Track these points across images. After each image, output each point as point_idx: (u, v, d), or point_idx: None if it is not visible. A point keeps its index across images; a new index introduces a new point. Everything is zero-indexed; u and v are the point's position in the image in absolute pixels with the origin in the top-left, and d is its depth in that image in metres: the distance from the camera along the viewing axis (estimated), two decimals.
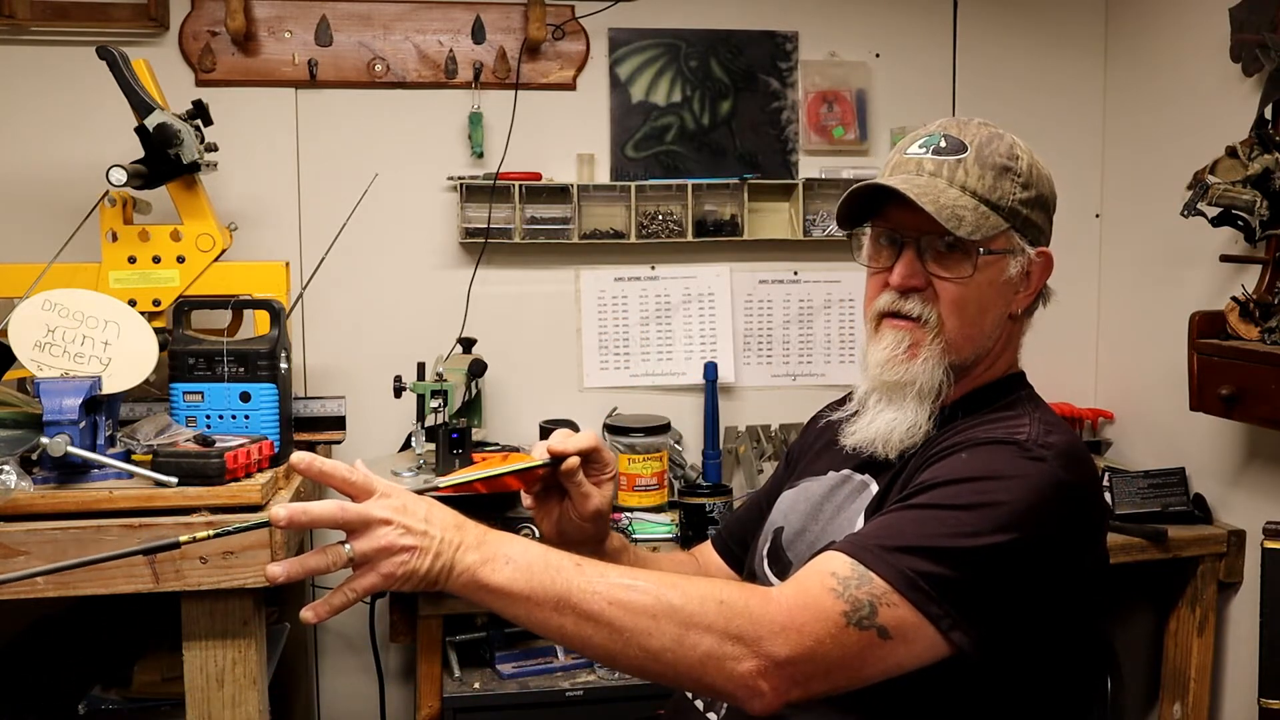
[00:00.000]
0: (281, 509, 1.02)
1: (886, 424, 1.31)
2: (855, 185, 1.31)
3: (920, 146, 1.32)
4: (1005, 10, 2.83)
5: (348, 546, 1.04)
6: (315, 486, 2.21)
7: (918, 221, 1.27)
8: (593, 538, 1.35)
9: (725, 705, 1.32)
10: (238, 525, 1.12)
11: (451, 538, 1.07)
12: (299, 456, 1.06)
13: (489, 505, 2.05)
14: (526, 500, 1.34)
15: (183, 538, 1.08)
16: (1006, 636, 1.14)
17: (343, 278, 2.54)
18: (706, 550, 1.62)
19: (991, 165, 1.28)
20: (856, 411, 1.37)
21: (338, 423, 2.19)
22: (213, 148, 2.26)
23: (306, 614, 1.04)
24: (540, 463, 1.28)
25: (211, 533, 1.10)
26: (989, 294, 1.30)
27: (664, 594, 1.08)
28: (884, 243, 1.33)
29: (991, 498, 1.14)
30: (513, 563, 1.07)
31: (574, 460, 1.28)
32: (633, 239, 2.66)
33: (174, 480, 1.76)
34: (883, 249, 1.33)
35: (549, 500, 1.34)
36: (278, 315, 2.03)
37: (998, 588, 1.13)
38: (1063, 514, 1.17)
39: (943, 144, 1.30)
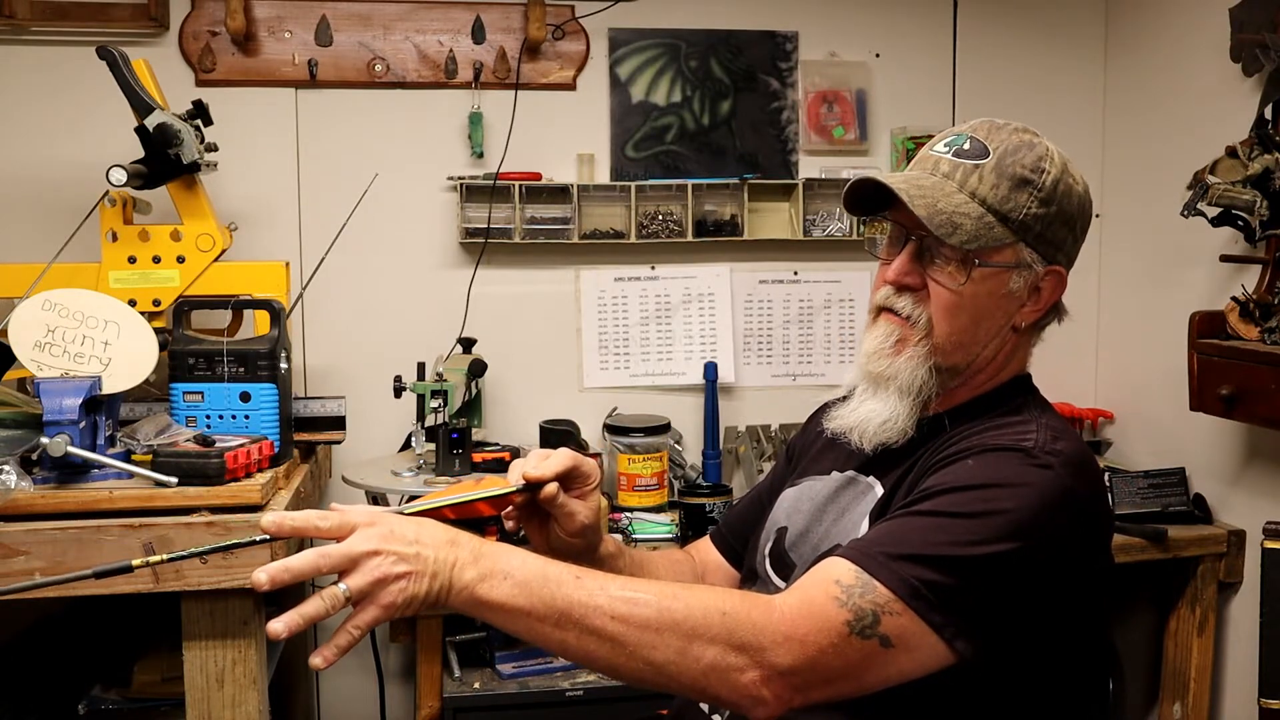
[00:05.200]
0: (262, 573, 0.98)
1: (865, 414, 1.30)
2: (859, 177, 1.30)
3: (945, 145, 1.30)
4: (1005, 10, 2.83)
5: (343, 586, 1.00)
6: (314, 485, 2.21)
7: (920, 221, 1.25)
8: (584, 550, 1.32)
9: None
10: (192, 550, 1.08)
11: (446, 555, 1.04)
12: (268, 520, 1.02)
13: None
14: (509, 525, 1.29)
15: (135, 561, 1.05)
16: (1011, 643, 1.14)
17: (343, 278, 2.54)
18: (705, 547, 1.60)
19: (1010, 176, 1.25)
20: (846, 397, 1.37)
21: (338, 423, 2.19)
22: (213, 148, 2.26)
23: (315, 660, 1.01)
24: (514, 489, 1.22)
25: (165, 556, 1.07)
26: (986, 305, 1.27)
27: (666, 606, 1.07)
28: (895, 235, 1.32)
29: (997, 505, 1.13)
30: (511, 578, 1.06)
31: (551, 488, 1.24)
32: (633, 239, 2.66)
33: (174, 480, 1.76)
34: (894, 241, 1.32)
35: (534, 519, 1.31)
36: (278, 315, 2.03)
37: (1002, 596, 1.12)
38: (1068, 522, 1.16)
39: (966, 146, 1.27)
